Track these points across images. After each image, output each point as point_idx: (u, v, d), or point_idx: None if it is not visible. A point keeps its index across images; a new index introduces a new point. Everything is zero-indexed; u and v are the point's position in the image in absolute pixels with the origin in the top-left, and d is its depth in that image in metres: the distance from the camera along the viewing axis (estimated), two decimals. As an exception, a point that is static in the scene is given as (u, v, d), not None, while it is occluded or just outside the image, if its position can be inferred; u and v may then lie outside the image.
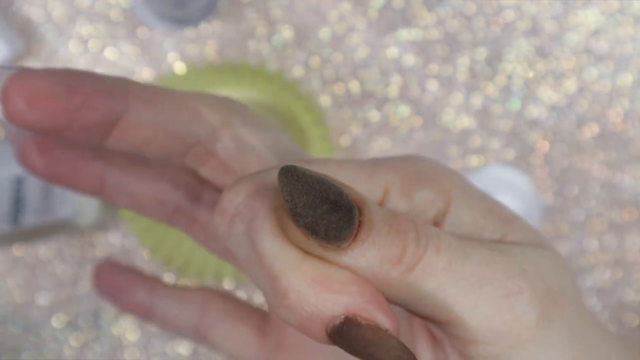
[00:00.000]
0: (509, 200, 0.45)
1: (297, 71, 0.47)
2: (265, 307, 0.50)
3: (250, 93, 0.45)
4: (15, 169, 0.42)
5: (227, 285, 0.51)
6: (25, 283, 0.51)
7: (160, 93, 0.24)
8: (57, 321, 0.52)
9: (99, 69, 0.48)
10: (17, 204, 0.42)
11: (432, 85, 0.47)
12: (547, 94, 0.46)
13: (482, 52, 0.46)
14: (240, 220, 0.21)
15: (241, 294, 0.51)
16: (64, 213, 0.45)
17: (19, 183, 0.42)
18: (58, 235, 0.48)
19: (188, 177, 0.28)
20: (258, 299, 0.51)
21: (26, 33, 0.48)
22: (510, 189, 0.46)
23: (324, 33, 0.46)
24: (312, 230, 0.20)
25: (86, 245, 0.51)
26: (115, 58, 0.48)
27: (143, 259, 0.51)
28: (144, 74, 0.48)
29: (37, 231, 0.45)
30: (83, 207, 0.45)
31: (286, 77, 0.47)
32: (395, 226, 0.21)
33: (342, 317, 0.20)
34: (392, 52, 0.46)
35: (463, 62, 0.46)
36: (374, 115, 0.47)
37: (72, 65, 0.48)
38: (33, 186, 0.43)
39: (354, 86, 0.47)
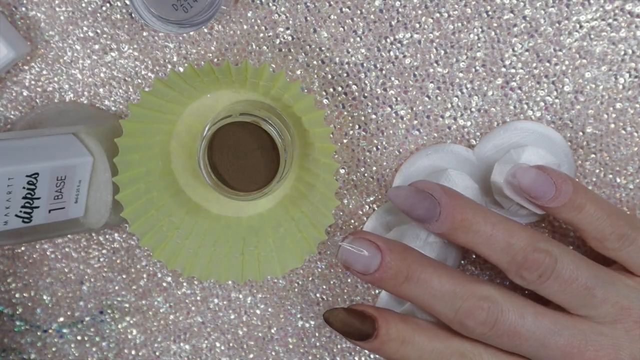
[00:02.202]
0: (541, 154, 0.45)
1: (298, 72, 0.47)
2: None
3: (251, 94, 0.45)
4: (29, 167, 0.42)
5: (228, 286, 0.51)
6: (30, 281, 0.52)
7: None
8: (62, 319, 0.52)
9: (102, 72, 0.48)
10: (30, 202, 0.42)
11: (431, 87, 0.47)
12: (543, 95, 0.46)
13: (479, 54, 0.46)
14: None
15: (241, 295, 0.51)
16: (76, 213, 0.45)
17: (33, 180, 0.42)
18: (67, 234, 0.48)
19: None
20: (258, 299, 0.51)
21: (31, 35, 0.48)
22: (544, 141, 0.46)
23: (324, 34, 0.47)
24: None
25: (91, 244, 0.51)
26: (118, 60, 0.48)
27: (144, 259, 0.51)
28: (146, 76, 0.48)
29: (48, 230, 0.45)
30: (95, 208, 0.45)
31: (286, 78, 0.47)
32: None
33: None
34: (391, 53, 0.47)
35: (461, 63, 0.46)
36: (373, 116, 0.47)
37: (75, 66, 0.48)
38: (47, 184, 0.43)
39: (354, 87, 0.47)
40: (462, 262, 0.49)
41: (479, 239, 0.42)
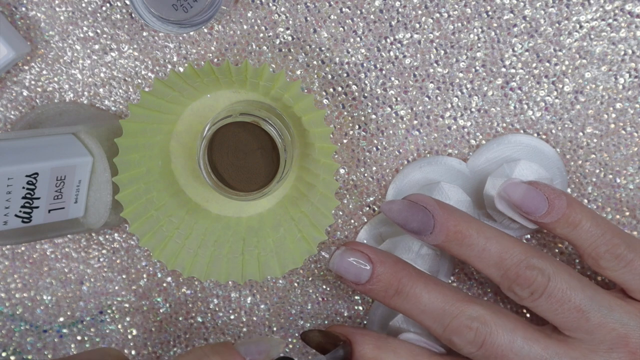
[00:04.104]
0: (534, 168, 0.45)
1: (298, 72, 0.47)
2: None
3: (251, 94, 0.45)
4: (29, 167, 0.42)
5: (228, 286, 0.51)
6: (30, 281, 0.52)
7: None
8: (62, 319, 0.52)
9: (102, 72, 0.48)
10: (30, 202, 0.42)
11: (431, 87, 0.47)
12: (543, 95, 0.46)
13: (479, 54, 0.46)
14: None
15: (241, 295, 0.51)
16: (76, 213, 0.45)
17: (32, 180, 0.42)
18: (66, 234, 0.48)
19: None
20: (258, 299, 0.51)
21: (31, 35, 0.48)
22: (536, 155, 0.46)
23: (324, 34, 0.47)
24: None
25: (91, 244, 0.51)
26: (118, 60, 0.48)
27: (144, 259, 0.51)
28: (146, 76, 0.48)
29: (48, 230, 0.45)
30: (95, 208, 0.45)
31: (286, 78, 0.47)
32: None
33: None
34: (391, 53, 0.47)
35: (461, 63, 0.46)
36: (373, 116, 0.47)
37: (75, 66, 0.48)
38: (46, 184, 0.43)
39: (354, 87, 0.47)
40: (456, 270, 0.49)
41: (472, 252, 0.42)
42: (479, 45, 0.46)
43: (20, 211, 0.42)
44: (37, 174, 0.42)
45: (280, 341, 0.40)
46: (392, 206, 0.43)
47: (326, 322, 0.50)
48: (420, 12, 0.46)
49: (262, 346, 0.39)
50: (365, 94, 0.47)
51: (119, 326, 0.52)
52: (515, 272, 0.41)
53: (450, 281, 0.49)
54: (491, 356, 0.41)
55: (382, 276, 0.42)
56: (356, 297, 0.50)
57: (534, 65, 0.46)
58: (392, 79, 0.47)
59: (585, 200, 0.47)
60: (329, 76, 0.47)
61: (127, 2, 0.47)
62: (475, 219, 0.42)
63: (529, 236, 0.48)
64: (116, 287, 0.51)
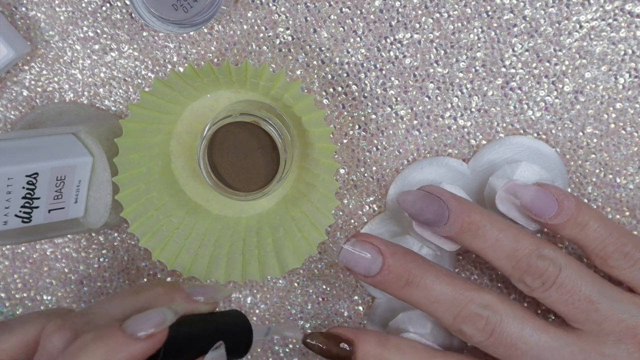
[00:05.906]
0: (535, 170, 0.44)
1: (298, 72, 0.47)
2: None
3: (251, 94, 0.45)
4: (29, 167, 0.42)
5: (228, 286, 0.51)
6: (30, 281, 0.52)
7: None
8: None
9: (102, 72, 0.48)
10: (30, 202, 0.42)
11: (431, 87, 0.47)
12: (543, 95, 0.46)
13: (479, 54, 0.46)
14: None
15: (241, 295, 0.51)
16: (76, 213, 0.45)
17: (32, 180, 0.42)
18: (66, 234, 0.48)
19: None
20: (258, 299, 0.51)
21: (31, 35, 0.48)
22: (538, 157, 0.46)
23: (324, 34, 0.47)
24: None
25: (91, 244, 0.51)
26: (118, 60, 0.48)
27: (144, 259, 0.51)
28: (146, 76, 0.48)
29: (48, 230, 0.45)
30: (95, 208, 0.45)
31: (286, 78, 0.47)
32: None
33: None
34: (391, 53, 0.47)
35: (461, 63, 0.46)
36: (373, 116, 0.47)
37: (75, 66, 0.48)
38: (46, 184, 0.43)
39: (354, 87, 0.47)
40: (456, 270, 0.49)
41: (484, 243, 0.42)
42: (479, 45, 0.46)
43: (20, 211, 0.42)
44: (37, 174, 0.42)
45: (229, 290, 0.41)
46: (406, 197, 0.43)
47: (326, 322, 0.50)
48: (420, 12, 0.46)
49: (208, 291, 0.40)
50: (365, 94, 0.47)
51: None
52: (527, 262, 0.41)
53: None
54: (500, 345, 0.41)
55: (392, 267, 0.41)
56: (356, 297, 0.50)
57: (534, 65, 0.46)
58: (392, 79, 0.47)
59: (585, 200, 0.47)
60: (329, 76, 0.47)
61: (127, 2, 0.47)
62: (487, 211, 0.42)
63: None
64: (116, 287, 0.51)
